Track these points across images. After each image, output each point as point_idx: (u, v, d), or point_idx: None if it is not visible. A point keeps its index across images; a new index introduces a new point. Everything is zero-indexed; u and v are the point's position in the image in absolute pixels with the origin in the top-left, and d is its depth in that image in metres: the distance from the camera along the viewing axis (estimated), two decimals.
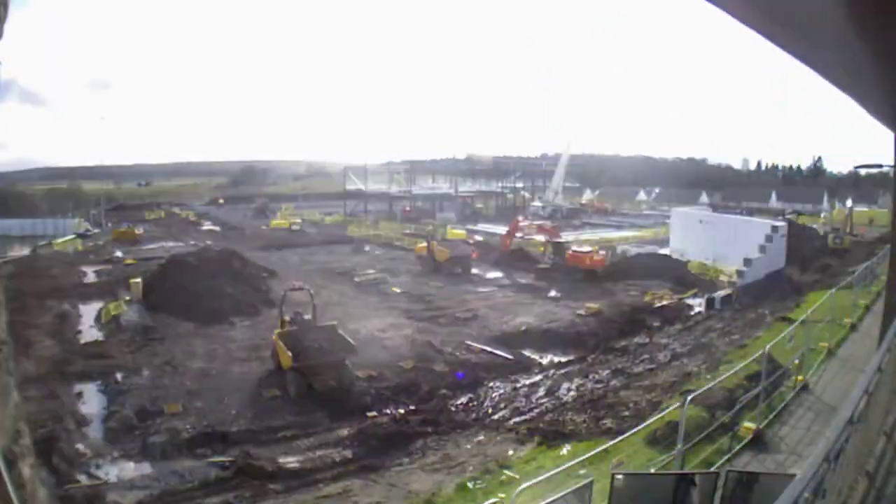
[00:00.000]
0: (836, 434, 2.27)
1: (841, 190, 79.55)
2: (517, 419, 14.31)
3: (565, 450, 11.53)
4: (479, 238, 40.02)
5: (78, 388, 15.52)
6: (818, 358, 12.45)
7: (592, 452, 8.24)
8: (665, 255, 34.23)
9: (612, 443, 8.85)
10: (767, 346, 10.09)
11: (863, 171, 68.67)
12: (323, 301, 21.13)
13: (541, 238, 34.36)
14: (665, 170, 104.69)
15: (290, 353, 15.17)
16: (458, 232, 45.31)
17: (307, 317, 17.35)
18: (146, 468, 11.95)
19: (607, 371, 17.55)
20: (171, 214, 61.29)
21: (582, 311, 23.08)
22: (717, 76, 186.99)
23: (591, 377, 17.11)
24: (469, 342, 19.45)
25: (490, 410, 15.00)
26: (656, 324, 22.66)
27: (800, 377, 11.22)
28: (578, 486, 5.75)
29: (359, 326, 20.07)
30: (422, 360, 17.51)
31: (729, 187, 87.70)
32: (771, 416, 9.83)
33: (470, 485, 10.51)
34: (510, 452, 12.19)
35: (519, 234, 35.52)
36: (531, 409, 14.93)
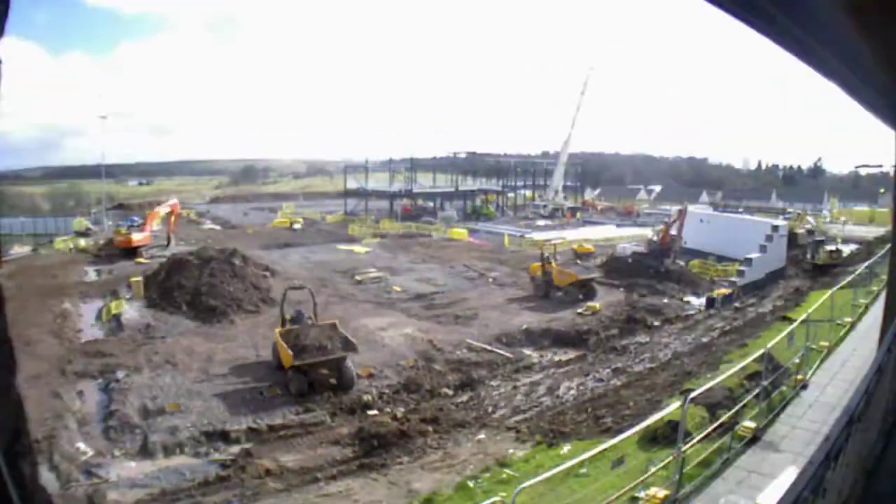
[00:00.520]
0: (836, 434, 2.27)
1: (841, 189, 79.50)
2: None
3: (565, 449, 11.55)
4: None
5: (79, 386, 15.55)
6: (818, 358, 12.45)
7: (592, 452, 8.24)
8: None
9: (612, 442, 8.86)
10: (768, 346, 10.10)
11: (863, 171, 68.67)
12: (323, 301, 21.13)
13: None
14: (666, 169, 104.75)
15: (290, 352, 15.20)
16: (459, 231, 45.31)
17: (308, 315, 17.37)
18: (147, 467, 11.98)
19: None
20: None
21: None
22: (717, 76, 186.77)
23: None
24: None
25: None
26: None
27: (800, 377, 11.23)
28: None
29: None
30: None
31: (729, 187, 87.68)
32: (771, 416, 9.83)
33: (470, 483, 10.52)
34: (510, 451, 12.21)
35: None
36: None
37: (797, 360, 11.31)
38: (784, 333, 11.43)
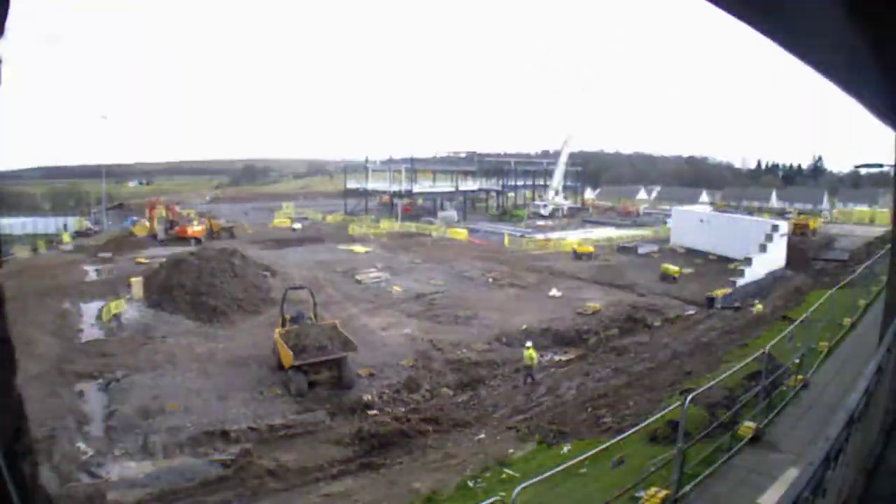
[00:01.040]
0: (836, 434, 2.27)
1: (841, 189, 79.45)
2: None
3: (565, 449, 11.54)
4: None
5: (79, 386, 15.55)
6: (818, 358, 12.44)
7: (592, 452, 8.24)
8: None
9: (612, 441, 8.85)
10: (767, 346, 10.09)
11: (863, 171, 68.56)
12: (322, 300, 21.12)
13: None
14: (665, 168, 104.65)
15: (290, 352, 15.20)
16: (459, 231, 45.29)
17: (308, 315, 17.37)
18: (147, 467, 11.98)
19: None
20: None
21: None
22: (717, 75, 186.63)
23: None
24: None
25: None
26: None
27: (800, 377, 11.22)
28: None
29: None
30: None
31: (729, 186, 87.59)
32: (771, 416, 9.82)
33: (470, 483, 10.51)
34: (510, 451, 12.20)
35: None
36: None
37: (797, 360, 11.30)
38: (784, 333, 11.42)
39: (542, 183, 68.83)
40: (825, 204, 71.84)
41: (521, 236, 43.45)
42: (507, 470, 10.84)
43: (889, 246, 13.33)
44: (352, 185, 62.31)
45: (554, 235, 44.74)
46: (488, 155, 75.76)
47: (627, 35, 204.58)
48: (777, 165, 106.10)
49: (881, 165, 19.17)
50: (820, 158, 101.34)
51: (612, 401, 14.58)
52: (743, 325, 21.90)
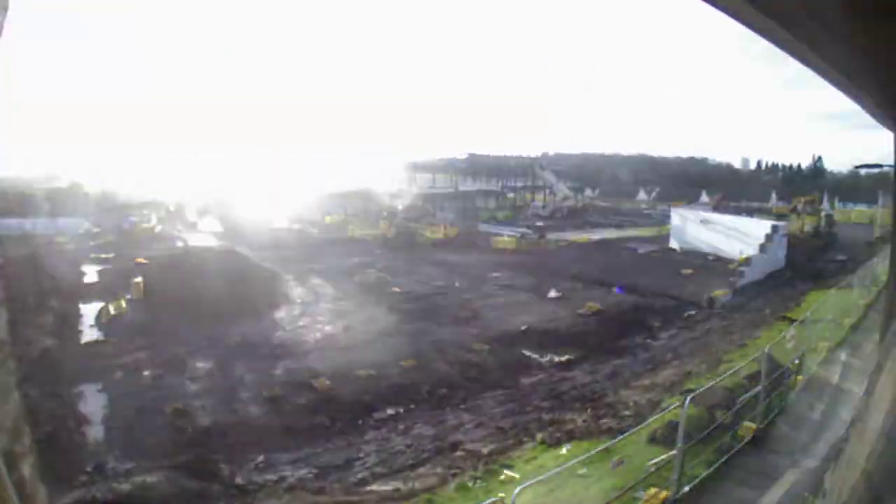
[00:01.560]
0: (835, 434, 2.27)
1: (841, 190, 79.33)
2: None
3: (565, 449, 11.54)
4: None
5: (78, 388, 15.52)
6: (818, 358, 12.45)
7: (593, 452, 8.24)
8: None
9: (612, 442, 8.86)
10: (767, 347, 10.10)
11: (863, 171, 68.52)
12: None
13: None
14: (665, 169, 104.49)
15: None
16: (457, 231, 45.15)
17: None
18: (147, 468, 11.95)
19: None
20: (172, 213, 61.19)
21: None
22: (717, 75, 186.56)
23: None
24: None
25: None
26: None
27: (800, 377, 11.23)
28: None
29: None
30: None
31: (729, 187, 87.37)
32: (771, 416, 9.83)
33: (470, 484, 10.51)
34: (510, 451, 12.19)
35: None
36: None
37: (797, 361, 11.31)
38: (784, 334, 11.44)
39: (541, 184, 68.81)
40: (825, 204, 71.72)
41: (521, 237, 43.41)
42: (506, 470, 10.83)
43: (889, 246, 13.34)
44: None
45: (553, 236, 44.73)
46: (487, 156, 75.68)
47: (627, 35, 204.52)
48: (777, 165, 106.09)
49: (881, 166, 19.19)
50: (820, 158, 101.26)
51: (612, 401, 14.58)
52: (743, 326, 21.90)
